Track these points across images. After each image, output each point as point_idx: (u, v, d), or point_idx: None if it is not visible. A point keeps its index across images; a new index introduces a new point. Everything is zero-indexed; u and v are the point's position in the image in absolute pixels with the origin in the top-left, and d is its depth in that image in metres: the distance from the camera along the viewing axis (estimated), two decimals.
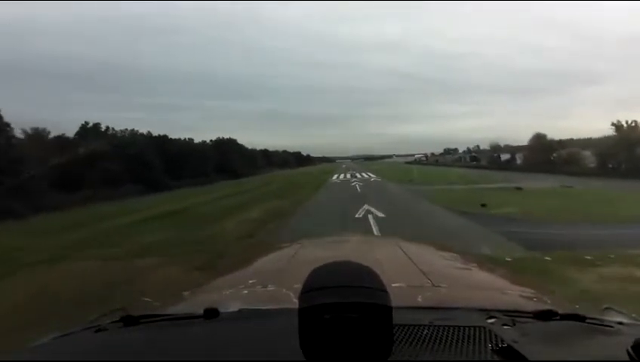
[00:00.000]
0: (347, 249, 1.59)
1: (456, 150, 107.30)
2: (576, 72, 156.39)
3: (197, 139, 42.26)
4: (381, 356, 0.48)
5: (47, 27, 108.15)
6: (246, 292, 0.98)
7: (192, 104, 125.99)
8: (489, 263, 1.50)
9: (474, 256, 1.57)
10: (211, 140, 44.53)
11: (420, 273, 1.06)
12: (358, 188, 21.05)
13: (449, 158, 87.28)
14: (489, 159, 48.93)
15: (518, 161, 38.48)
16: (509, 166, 37.48)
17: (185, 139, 41.23)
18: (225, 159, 39.26)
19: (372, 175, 35.78)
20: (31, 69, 73.25)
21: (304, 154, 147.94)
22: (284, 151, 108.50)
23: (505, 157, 44.49)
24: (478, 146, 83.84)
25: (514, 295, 1.00)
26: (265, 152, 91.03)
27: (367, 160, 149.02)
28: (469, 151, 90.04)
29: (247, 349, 0.61)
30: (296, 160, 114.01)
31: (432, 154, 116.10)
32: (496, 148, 53.76)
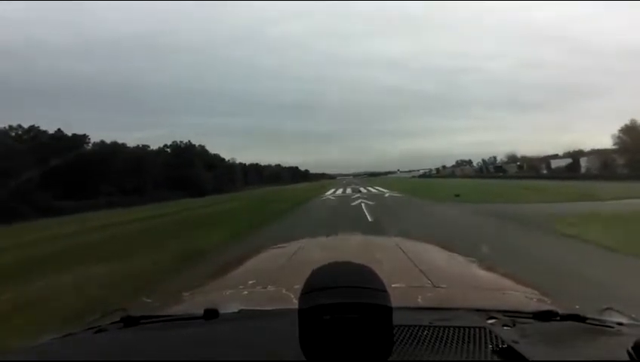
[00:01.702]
0: (347, 249, 1.64)
1: (470, 162, 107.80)
2: (576, 86, 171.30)
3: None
4: (381, 356, 0.52)
5: (53, 47, 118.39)
6: (246, 292, 1.03)
7: (192, 121, 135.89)
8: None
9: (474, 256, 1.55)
10: (165, 145, 33.45)
11: (420, 273, 1.11)
12: (365, 211, 13.32)
13: (468, 170, 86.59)
14: (519, 168, 45.73)
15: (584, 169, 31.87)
16: (572, 174, 30.69)
17: (139, 146, 30.17)
18: (184, 171, 28.04)
19: (383, 189, 28.61)
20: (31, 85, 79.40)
21: (302, 169, 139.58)
22: (278, 166, 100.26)
23: (557, 163, 38.29)
24: (494, 158, 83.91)
25: (514, 295, 1.05)
26: (256, 167, 79.64)
27: (372, 176, 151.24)
28: (484, 162, 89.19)
29: (247, 350, 0.65)
30: (291, 175, 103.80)
31: (444, 166, 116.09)
32: (513, 159, 52.51)
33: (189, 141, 35.12)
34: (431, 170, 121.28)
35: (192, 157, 31.42)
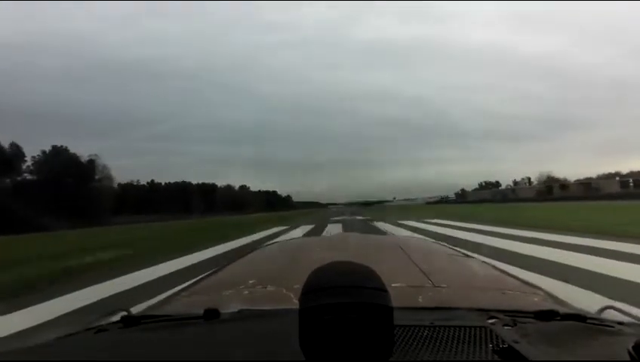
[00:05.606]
0: (348, 248, 1.65)
1: (497, 183, 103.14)
2: (564, 118, 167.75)
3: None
4: (382, 356, 0.52)
5: (45, 72, 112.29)
6: (246, 292, 1.04)
7: (185, 149, 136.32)
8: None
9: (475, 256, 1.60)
10: None
11: (420, 273, 1.13)
12: None
13: (525, 191, 73.42)
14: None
15: None
16: None
17: None
18: None
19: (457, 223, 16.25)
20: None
21: (282, 195, 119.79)
22: (243, 189, 76.96)
23: None
24: (528, 178, 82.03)
25: (514, 295, 1.07)
26: (211, 188, 56.66)
27: (366, 205, 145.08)
28: (515, 183, 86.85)
29: (247, 350, 0.66)
30: (267, 201, 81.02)
31: (463, 190, 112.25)
32: (551, 180, 55.52)
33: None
34: (447, 195, 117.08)
35: None
